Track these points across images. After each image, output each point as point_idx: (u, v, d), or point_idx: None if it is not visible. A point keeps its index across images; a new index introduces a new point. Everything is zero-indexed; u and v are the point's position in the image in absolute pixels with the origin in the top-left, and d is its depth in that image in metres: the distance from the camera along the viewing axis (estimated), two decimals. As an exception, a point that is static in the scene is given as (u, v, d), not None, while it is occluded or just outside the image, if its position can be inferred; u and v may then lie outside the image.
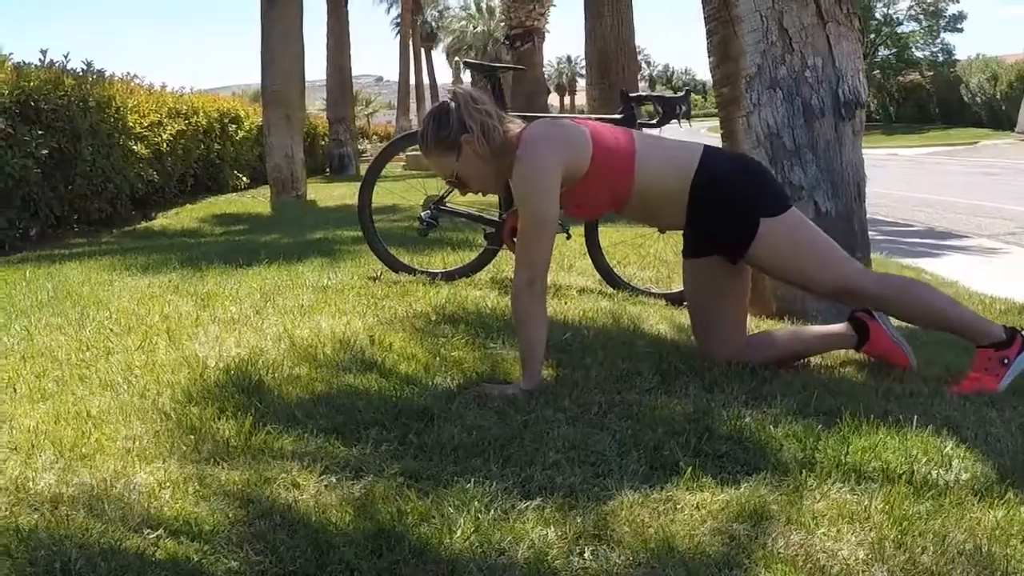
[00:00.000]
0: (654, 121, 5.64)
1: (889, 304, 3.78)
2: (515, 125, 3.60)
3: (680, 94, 5.71)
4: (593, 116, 5.57)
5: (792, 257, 3.68)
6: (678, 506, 2.38)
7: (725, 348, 3.81)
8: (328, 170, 26.68)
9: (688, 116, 5.68)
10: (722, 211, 3.65)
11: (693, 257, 3.84)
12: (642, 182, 3.58)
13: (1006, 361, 3.62)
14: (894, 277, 3.94)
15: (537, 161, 3.42)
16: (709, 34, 5.55)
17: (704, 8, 5.59)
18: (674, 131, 5.29)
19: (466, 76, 51.93)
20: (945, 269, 9.55)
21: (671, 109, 5.61)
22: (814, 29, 5.23)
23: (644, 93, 6.22)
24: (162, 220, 13.52)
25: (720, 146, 4.92)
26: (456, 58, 70.31)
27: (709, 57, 5.67)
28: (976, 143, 40.82)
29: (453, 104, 3.53)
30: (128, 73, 14.99)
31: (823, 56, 5.24)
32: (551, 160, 3.43)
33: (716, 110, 5.60)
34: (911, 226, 14.00)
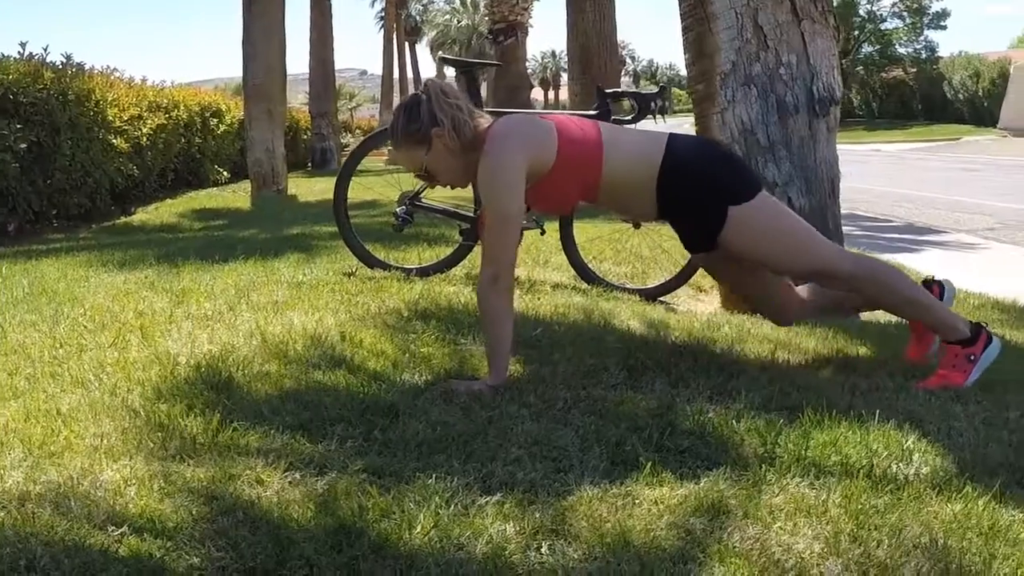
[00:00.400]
0: (629, 117, 5.65)
1: (864, 285, 3.79)
2: (484, 120, 3.61)
3: (655, 90, 5.73)
4: (567, 112, 5.58)
5: (765, 242, 3.69)
6: (637, 501, 2.40)
7: (787, 313, 4.09)
8: (310, 164, 26.69)
9: (663, 112, 5.70)
10: (689, 199, 3.66)
11: (696, 251, 3.90)
12: (610, 173, 3.59)
13: (972, 358, 3.64)
14: (871, 260, 3.98)
15: (502, 157, 3.43)
16: (684, 31, 5.58)
17: (680, 5, 5.62)
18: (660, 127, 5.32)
19: (450, 71, 51.78)
20: (923, 264, 9.58)
21: (646, 105, 5.63)
22: (789, 26, 5.25)
23: (620, 89, 6.24)
24: (141, 215, 13.51)
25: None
26: (440, 52, 70.11)
27: (685, 54, 5.70)
28: (958, 139, 41.04)
29: (424, 97, 3.55)
30: (108, 66, 14.99)
31: (797, 53, 5.27)
32: (516, 156, 3.44)
33: (695, 106, 5.64)
34: (890, 221, 14.06)
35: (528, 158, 3.46)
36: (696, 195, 3.65)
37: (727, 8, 5.27)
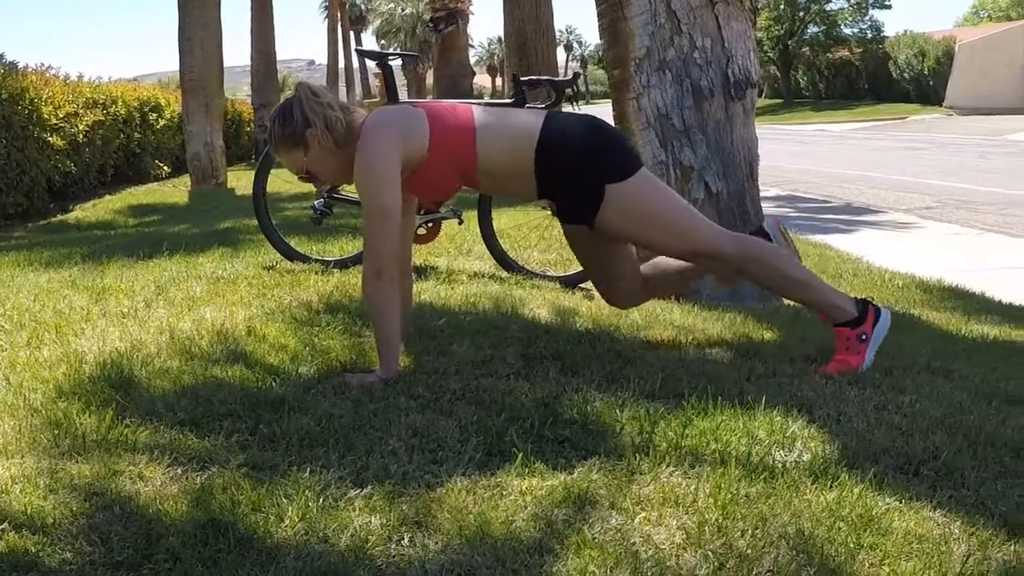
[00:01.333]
0: (543, 105, 5.68)
1: (748, 266, 3.76)
2: (359, 115, 3.63)
3: (568, 77, 5.76)
4: (483, 101, 5.61)
5: (644, 222, 3.69)
6: (505, 492, 2.40)
7: (629, 300, 4.15)
8: (254, 157, 26.49)
9: (577, 98, 5.74)
10: (566, 177, 3.64)
11: (567, 223, 3.91)
12: (486, 156, 3.59)
13: (864, 337, 3.64)
14: (753, 240, 3.95)
15: (375, 150, 3.45)
16: (600, 17, 5.60)
17: (595, -9, 5.64)
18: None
19: (396, 62, 51.40)
20: (855, 245, 9.68)
21: (561, 92, 5.66)
22: (702, 10, 5.30)
23: (534, 77, 6.25)
24: (79, 212, 13.43)
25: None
26: (383, 41, 69.65)
27: (600, 39, 5.73)
28: (905, 118, 41.44)
29: (296, 100, 3.57)
30: (42, 64, 14.89)
31: (712, 37, 5.32)
32: (388, 148, 3.46)
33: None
34: (829, 202, 14.15)
35: (400, 148, 3.48)
36: (573, 172, 3.63)
37: (640, -8, 5.29)
